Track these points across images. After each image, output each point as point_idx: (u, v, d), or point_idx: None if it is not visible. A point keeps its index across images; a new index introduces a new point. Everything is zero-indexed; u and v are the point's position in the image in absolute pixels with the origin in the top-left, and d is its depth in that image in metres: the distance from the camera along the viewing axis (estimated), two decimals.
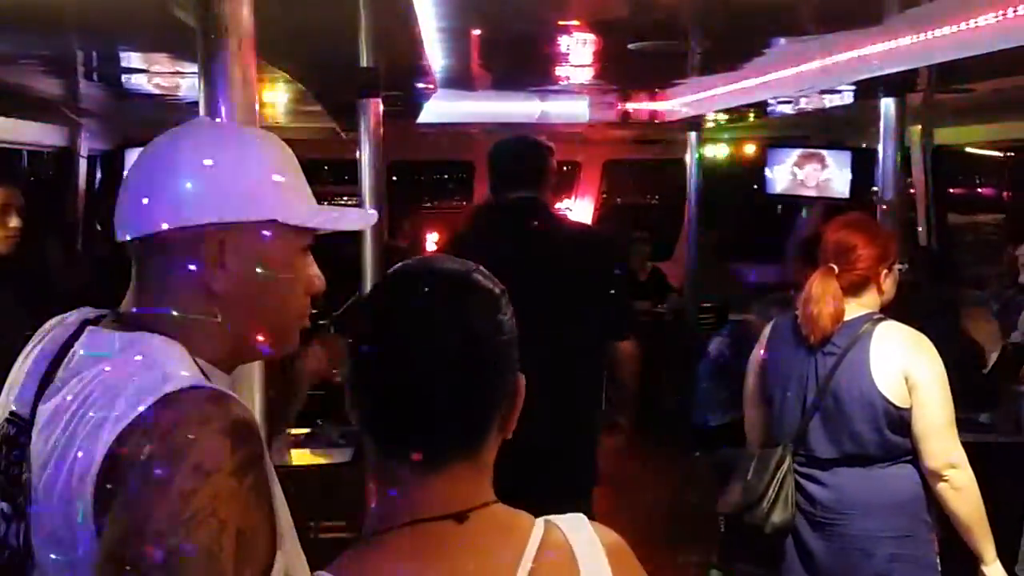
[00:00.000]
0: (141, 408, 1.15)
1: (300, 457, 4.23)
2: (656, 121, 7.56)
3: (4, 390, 1.36)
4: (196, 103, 1.74)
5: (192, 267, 1.29)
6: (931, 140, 7.48)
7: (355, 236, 3.54)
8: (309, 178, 1.40)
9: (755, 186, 9.45)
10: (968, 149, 8.49)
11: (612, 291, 3.63)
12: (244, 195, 1.30)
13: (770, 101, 6.01)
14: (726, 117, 7.32)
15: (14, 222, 3.73)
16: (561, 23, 4.08)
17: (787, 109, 6.50)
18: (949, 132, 7.50)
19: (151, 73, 5.10)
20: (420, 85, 5.61)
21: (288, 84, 5.22)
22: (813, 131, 8.39)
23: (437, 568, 1.18)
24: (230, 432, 1.15)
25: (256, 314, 1.34)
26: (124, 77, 5.25)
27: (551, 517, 1.25)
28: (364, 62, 3.51)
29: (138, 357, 1.23)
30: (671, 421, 6.68)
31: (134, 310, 1.32)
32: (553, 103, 7.10)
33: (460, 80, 5.73)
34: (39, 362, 1.32)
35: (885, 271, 3.03)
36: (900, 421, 2.88)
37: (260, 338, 1.36)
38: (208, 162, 1.29)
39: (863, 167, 7.69)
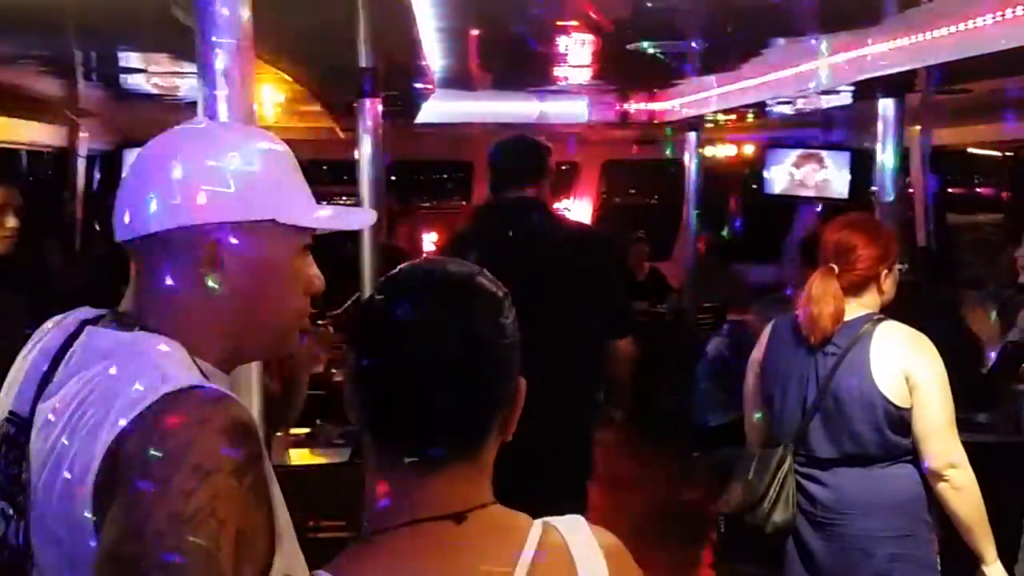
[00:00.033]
0: (140, 408, 1.15)
1: (299, 457, 4.22)
2: (655, 121, 7.57)
3: (3, 389, 1.36)
4: (195, 103, 1.75)
5: (191, 267, 1.29)
6: (929, 140, 7.48)
7: (354, 236, 3.54)
8: (308, 178, 1.40)
9: (754, 186, 9.47)
10: (967, 149, 8.48)
11: (611, 290, 3.64)
12: (243, 195, 1.30)
13: (769, 101, 6.01)
14: (725, 117, 7.32)
15: (11, 222, 3.73)
16: (560, 23, 4.09)
17: (786, 109, 6.50)
18: (948, 132, 7.50)
19: (150, 73, 5.10)
20: (419, 85, 5.62)
21: (287, 84, 5.22)
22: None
23: (435, 568, 1.18)
24: (229, 432, 1.15)
25: (255, 314, 1.34)
26: (123, 77, 5.26)
27: (549, 519, 1.25)
28: (363, 62, 3.52)
29: (137, 357, 1.23)
30: (670, 421, 6.69)
31: (133, 310, 1.32)
32: (552, 103, 7.11)
33: (459, 80, 5.74)
34: (38, 362, 1.32)
35: (885, 271, 3.03)
36: (900, 421, 2.88)
37: (259, 338, 1.36)
38: (207, 162, 1.29)
39: (862, 167, 7.70)
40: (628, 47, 4.47)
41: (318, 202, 1.40)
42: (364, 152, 3.50)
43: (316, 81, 5.14)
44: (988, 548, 2.89)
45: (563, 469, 3.44)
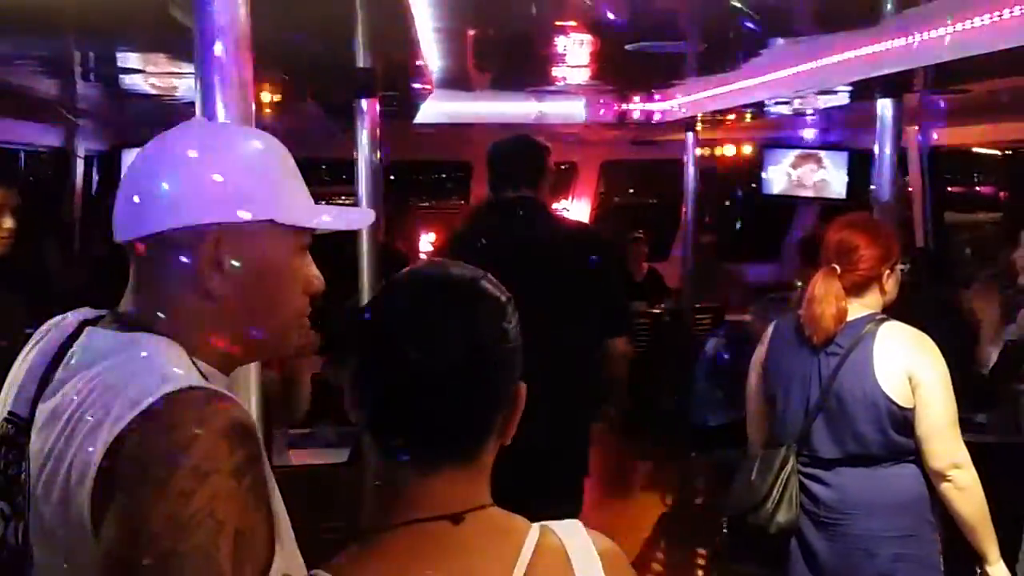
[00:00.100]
0: (139, 409, 1.15)
1: (298, 457, 4.22)
2: (653, 122, 7.57)
3: (3, 390, 1.36)
4: (193, 103, 1.74)
5: (190, 268, 1.28)
6: (928, 140, 7.48)
7: (352, 236, 3.54)
8: (306, 178, 1.40)
9: (753, 185, 9.47)
10: (965, 149, 8.50)
11: (610, 290, 3.65)
12: (241, 195, 1.29)
13: (767, 102, 6.02)
14: (723, 118, 7.33)
15: (8, 223, 3.72)
16: (558, 24, 4.09)
17: (784, 110, 6.51)
18: (946, 132, 7.50)
19: (148, 73, 5.10)
20: (417, 85, 5.62)
21: (285, 84, 5.22)
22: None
23: (433, 568, 1.19)
24: (228, 433, 1.15)
25: (254, 314, 1.33)
26: (121, 77, 5.26)
27: (547, 523, 1.26)
28: (361, 63, 3.51)
29: (136, 358, 1.22)
30: (669, 421, 6.69)
31: (132, 310, 1.32)
32: (550, 103, 7.11)
33: (457, 80, 5.74)
34: (38, 362, 1.31)
35: (888, 271, 3.02)
36: (904, 421, 2.88)
37: (259, 338, 1.36)
38: (206, 163, 1.29)
39: (860, 167, 7.70)
40: (627, 47, 4.47)
41: (316, 202, 1.40)
42: (362, 152, 3.50)
43: (314, 81, 5.14)
44: (991, 548, 2.89)
45: (561, 468, 3.45)
